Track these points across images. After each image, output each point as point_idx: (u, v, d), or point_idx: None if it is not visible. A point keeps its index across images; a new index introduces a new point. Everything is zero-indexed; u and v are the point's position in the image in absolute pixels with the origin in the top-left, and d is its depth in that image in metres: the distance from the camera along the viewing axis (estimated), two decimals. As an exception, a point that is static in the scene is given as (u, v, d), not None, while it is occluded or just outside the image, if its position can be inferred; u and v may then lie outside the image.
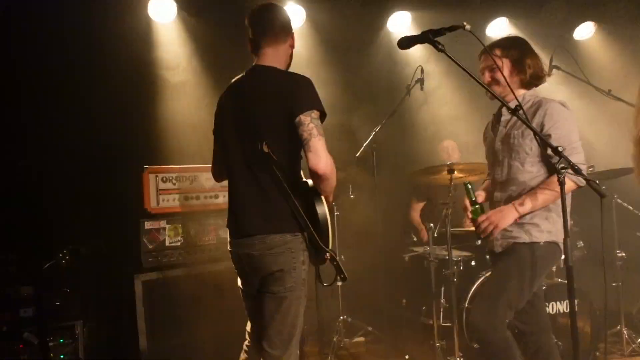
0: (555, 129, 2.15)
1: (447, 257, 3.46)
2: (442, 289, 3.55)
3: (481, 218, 2.23)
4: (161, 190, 3.10)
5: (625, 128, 3.13)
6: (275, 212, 1.90)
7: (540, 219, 2.21)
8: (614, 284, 3.48)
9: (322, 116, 1.92)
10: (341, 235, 3.89)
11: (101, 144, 3.21)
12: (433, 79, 4.27)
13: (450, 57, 1.95)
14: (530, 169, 2.22)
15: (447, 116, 4.39)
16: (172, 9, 3.78)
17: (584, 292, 3.14)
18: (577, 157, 2.13)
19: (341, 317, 3.83)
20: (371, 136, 3.44)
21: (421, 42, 1.98)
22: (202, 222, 3.19)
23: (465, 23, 1.84)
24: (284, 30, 2.05)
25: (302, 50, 4.25)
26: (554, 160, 1.94)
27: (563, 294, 3.18)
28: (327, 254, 1.94)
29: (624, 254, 3.46)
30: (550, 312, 3.14)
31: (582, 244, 3.43)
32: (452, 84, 4.54)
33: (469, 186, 2.34)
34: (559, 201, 2.08)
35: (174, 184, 3.15)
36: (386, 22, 4.42)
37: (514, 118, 2.26)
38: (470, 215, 2.33)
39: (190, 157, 3.27)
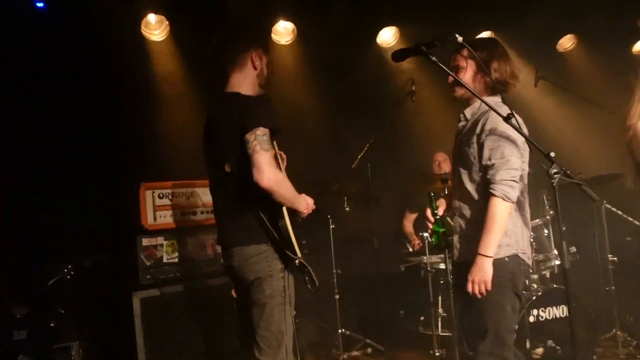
0: (488, 139, 2.08)
1: (442, 267, 3.50)
2: (440, 298, 3.58)
3: (467, 286, 2.08)
4: (158, 207, 3.10)
5: (610, 136, 3.24)
6: (246, 225, 2.04)
7: None
8: (607, 289, 3.53)
9: (277, 130, 2.05)
10: (337, 247, 3.91)
11: (98, 159, 3.21)
12: (424, 90, 4.35)
13: (443, 67, 2.01)
14: (475, 178, 2.14)
15: (439, 127, 4.46)
16: (165, 27, 3.85)
17: (578, 297, 3.19)
18: (504, 174, 2.03)
19: (340, 331, 3.83)
20: (366, 147, 3.49)
21: (414, 55, 2.04)
22: (199, 238, 3.19)
23: (457, 35, 1.90)
24: (243, 57, 2.15)
25: (292, 64, 4.33)
26: (546, 167, 1.97)
27: (558, 299, 3.22)
28: (297, 262, 2.04)
29: (615, 259, 3.52)
30: (547, 317, 3.19)
31: (575, 250, 3.48)
32: (443, 95, 4.63)
33: (432, 196, 2.33)
34: (514, 213, 2.09)
35: (170, 200, 3.15)
36: (375, 36, 4.52)
37: (467, 125, 2.22)
38: (430, 227, 2.32)
39: (186, 172, 3.28)
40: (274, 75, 4.28)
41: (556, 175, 1.95)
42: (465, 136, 2.19)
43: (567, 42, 4.81)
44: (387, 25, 4.47)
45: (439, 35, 1.95)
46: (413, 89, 3.67)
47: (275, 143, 2.62)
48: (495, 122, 2.07)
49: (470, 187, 2.15)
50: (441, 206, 2.39)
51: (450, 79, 2.19)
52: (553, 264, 3.35)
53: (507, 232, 2.09)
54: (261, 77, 2.20)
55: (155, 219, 3.08)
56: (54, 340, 2.76)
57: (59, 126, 3.19)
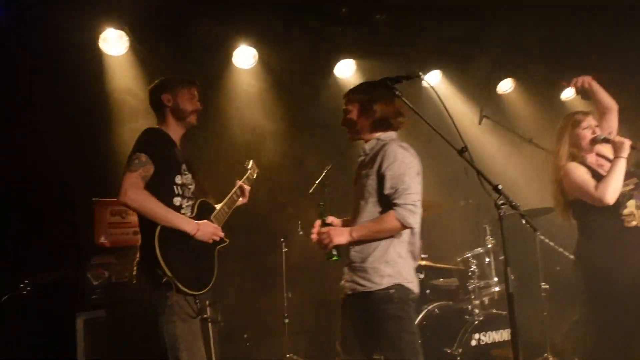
0: (389, 169, 2.20)
1: (392, 291, 3.62)
2: (388, 322, 3.67)
3: (322, 229, 2.26)
4: (110, 224, 3.01)
5: (542, 172, 3.56)
6: (141, 244, 2.26)
7: (380, 263, 2.19)
8: (541, 315, 3.79)
9: (154, 157, 2.26)
10: (290, 272, 3.94)
11: (51, 174, 3.08)
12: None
13: (405, 102, 2.16)
14: (372, 209, 2.24)
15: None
16: (124, 42, 3.80)
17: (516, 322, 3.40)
18: (408, 198, 2.15)
19: (287, 356, 3.81)
20: (323, 173, 3.58)
21: (380, 88, 2.19)
22: (151, 258, 3.10)
23: (420, 73, 2.07)
24: (159, 99, 2.45)
25: (253, 88, 4.40)
26: (494, 197, 2.15)
27: (498, 324, 3.43)
28: (164, 279, 2.14)
29: (547, 286, 3.80)
30: (487, 341, 3.37)
31: (513, 277, 3.71)
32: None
33: (322, 206, 2.38)
34: (397, 242, 2.20)
35: (123, 218, 3.06)
36: (333, 67, 4.70)
37: (366, 159, 2.36)
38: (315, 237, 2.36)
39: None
40: (234, 99, 4.35)
41: (503, 206, 2.14)
42: (365, 169, 2.31)
43: (506, 86, 5.24)
44: (345, 58, 4.67)
45: (398, 71, 2.14)
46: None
47: (248, 177, 2.74)
48: (394, 153, 2.23)
49: (366, 217, 2.25)
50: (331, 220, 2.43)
51: (342, 119, 2.41)
52: (493, 290, 3.57)
53: (389, 261, 2.18)
54: (177, 112, 2.43)
55: (106, 237, 2.98)
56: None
57: (14, 141, 3.04)
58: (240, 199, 2.70)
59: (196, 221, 2.30)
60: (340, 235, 2.21)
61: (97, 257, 2.91)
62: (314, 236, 2.33)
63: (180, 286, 2.15)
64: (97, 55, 3.71)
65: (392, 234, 2.18)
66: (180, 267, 2.16)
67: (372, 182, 2.24)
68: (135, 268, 2.28)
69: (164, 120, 2.46)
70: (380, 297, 2.15)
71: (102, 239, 3.00)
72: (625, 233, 2.74)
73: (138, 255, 2.27)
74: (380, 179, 2.21)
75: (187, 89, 2.47)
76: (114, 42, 3.78)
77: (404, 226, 2.14)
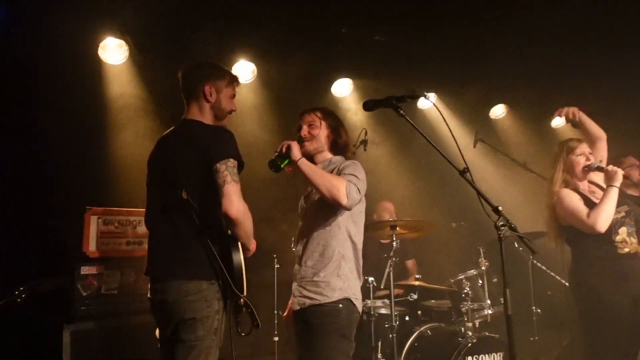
0: (345, 170, 2.31)
1: (385, 312, 3.59)
2: (379, 343, 3.63)
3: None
4: (102, 233, 2.95)
5: (535, 196, 3.60)
6: (192, 258, 1.97)
7: (332, 277, 2.24)
8: (531, 339, 3.79)
9: (241, 166, 2.08)
10: (281, 289, 3.88)
11: (44, 180, 3.01)
12: (375, 140, 4.59)
13: (410, 121, 2.17)
14: (342, 230, 2.30)
15: (390, 176, 4.69)
16: (123, 51, 3.79)
17: (506, 345, 3.39)
18: (360, 184, 2.26)
19: (277, 374, 3.73)
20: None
21: (384, 106, 2.21)
22: (142, 270, 3.02)
23: (426, 93, 2.10)
24: (200, 89, 2.18)
25: (251, 103, 4.41)
26: (493, 219, 2.16)
27: (490, 347, 3.40)
28: (242, 300, 2.01)
29: (539, 311, 3.81)
30: (480, 364, 3.34)
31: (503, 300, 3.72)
32: (393, 146, 4.90)
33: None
34: (350, 257, 2.27)
35: (117, 228, 3.00)
36: (331, 86, 4.74)
37: None
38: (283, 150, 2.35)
39: (135, 200, 3.15)
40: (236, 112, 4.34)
41: (503, 228, 2.15)
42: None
43: (499, 111, 5.33)
44: (342, 77, 4.72)
45: (387, 92, 2.18)
46: (366, 138, 3.87)
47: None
48: (350, 163, 2.36)
49: (321, 233, 2.28)
50: None
51: (305, 132, 2.43)
52: (486, 312, 3.56)
53: (340, 275, 2.25)
54: (217, 110, 2.20)
55: (97, 246, 2.92)
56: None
57: (8, 145, 2.98)
58: None
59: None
60: (297, 149, 2.27)
61: (87, 267, 2.82)
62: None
63: (253, 308, 2.02)
64: (95, 63, 3.69)
65: (327, 193, 2.17)
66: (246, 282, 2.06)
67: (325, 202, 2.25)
68: (167, 283, 1.99)
69: (202, 113, 2.18)
70: (329, 310, 2.19)
71: (92, 249, 2.92)
72: (618, 259, 2.78)
73: (176, 270, 1.99)
74: None
75: (231, 85, 2.24)
76: (113, 51, 3.77)
77: (343, 197, 2.16)
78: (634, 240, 2.81)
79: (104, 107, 3.66)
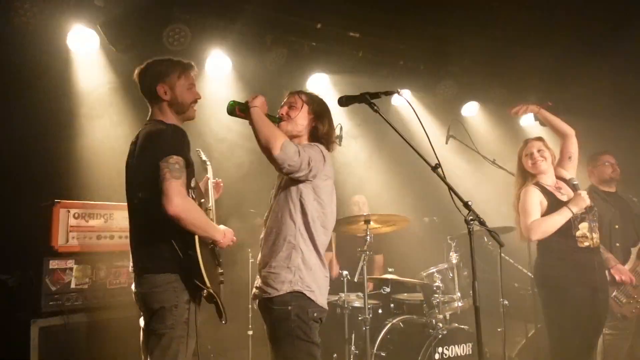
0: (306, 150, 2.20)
1: (358, 305, 3.64)
2: (353, 335, 3.68)
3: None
4: (72, 227, 2.88)
5: (504, 191, 3.70)
6: (158, 253, 2.06)
7: (282, 269, 2.15)
8: (499, 330, 3.90)
9: (189, 164, 2.09)
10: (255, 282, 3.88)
11: (10, 172, 2.92)
12: (349, 135, 4.63)
13: (383, 117, 2.21)
14: (294, 219, 2.20)
15: (362, 171, 4.73)
16: (94, 41, 3.70)
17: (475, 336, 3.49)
18: (306, 151, 2.19)
19: (250, 368, 3.74)
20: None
21: (359, 102, 2.24)
22: (114, 264, 3.00)
23: (398, 89, 2.13)
24: (154, 91, 2.19)
25: (226, 96, 4.36)
26: (463, 213, 2.23)
27: (460, 338, 3.50)
28: (205, 292, 2.06)
29: (506, 302, 3.92)
30: (450, 355, 3.43)
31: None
32: (368, 142, 4.95)
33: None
34: (305, 249, 2.14)
35: (87, 221, 2.94)
36: (306, 81, 4.74)
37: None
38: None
39: (107, 194, 3.10)
40: (205, 106, 4.29)
41: (472, 222, 2.22)
42: (283, 180, 2.29)
43: (471, 108, 5.44)
44: (318, 72, 4.73)
45: (369, 88, 2.21)
46: (341, 134, 3.90)
47: (209, 169, 2.66)
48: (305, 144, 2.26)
49: (287, 228, 2.17)
50: None
51: (284, 111, 2.34)
52: (456, 305, 3.66)
53: (290, 267, 2.13)
54: (177, 105, 2.20)
55: (67, 240, 2.85)
56: None
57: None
58: (216, 194, 2.64)
59: (220, 228, 2.22)
60: (260, 100, 2.23)
61: (55, 261, 2.76)
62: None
63: (220, 301, 2.10)
64: (64, 52, 3.58)
65: (264, 140, 2.11)
66: (211, 277, 2.07)
67: (294, 195, 2.19)
68: (141, 276, 2.06)
69: (163, 113, 2.20)
70: (278, 314, 2.11)
71: (61, 243, 2.86)
72: (578, 253, 2.90)
73: (147, 264, 2.06)
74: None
75: (184, 76, 2.20)
76: (83, 41, 3.67)
77: (276, 147, 2.07)
78: (594, 235, 2.93)
79: (74, 98, 3.57)
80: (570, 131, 3.19)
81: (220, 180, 2.69)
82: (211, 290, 2.06)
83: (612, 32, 4.33)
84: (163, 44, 3.93)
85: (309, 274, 2.16)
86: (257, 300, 2.24)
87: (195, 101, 2.27)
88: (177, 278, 2.05)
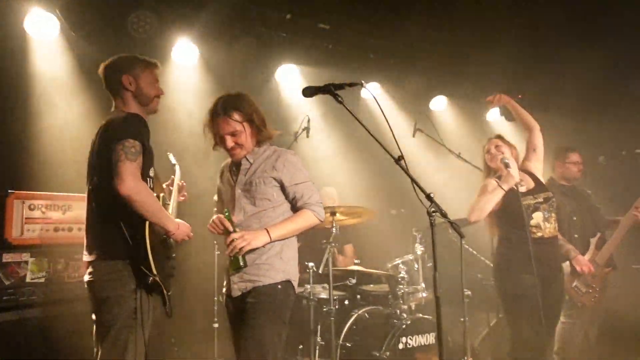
0: (294, 179, 2.33)
1: (324, 296, 3.66)
2: (319, 326, 3.70)
3: (235, 235, 2.20)
4: (27, 219, 2.78)
5: (469, 184, 3.78)
6: (107, 240, 2.07)
7: (275, 259, 2.27)
8: (461, 319, 3.99)
9: (149, 151, 2.14)
10: (221, 275, 3.84)
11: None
12: (318, 127, 4.62)
13: (347, 109, 2.21)
14: (272, 214, 2.31)
15: (327, 163, 4.73)
16: (54, 26, 3.55)
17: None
18: (315, 198, 2.36)
19: (216, 361, 3.72)
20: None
21: (323, 93, 2.22)
22: (72, 257, 2.91)
23: (362, 81, 2.13)
24: (119, 81, 2.24)
25: (193, 86, 4.28)
26: (426, 205, 2.25)
27: (424, 328, 3.57)
28: (150, 279, 2.04)
29: (469, 293, 4.02)
30: (414, 345, 3.50)
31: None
32: (335, 135, 4.95)
33: (227, 212, 2.32)
34: (293, 240, 2.34)
35: (44, 213, 2.85)
36: (275, 72, 4.70)
37: (254, 166, 2.35)
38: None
39: (65, 185, 3.00)
40: (174, 95, 4.20)
41: (434, 214, 2.25)
42: (257, 177, 2.32)
43: (439, 102, 5.51)
44: (287, 63, 4.69)
45: (332, 80, 2.19)
46: (308, 125, 3.89)
47: (177, 171, 2.63)
48: (293, 162, 2.34)
49: (263, 222, 2.27)
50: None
51: (230, 143, 2.30)
52: (421, 295, 3.72)
53: (283, 258, 2.28)
54: (140, 96, 2.26)
55: (22, 232, 2.75)
56: None
57: None
58: (179, 196, 2.62)
59: (176, 220, 2.23)
60: (257, 238, 2.21)
61: (9, 255, 2.66)
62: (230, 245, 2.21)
63: (165, 291, 2.09)
64: (20, 37, 3.43)
65: (311, 227, 2.34)
66: (160, 267, 2.05)
67: (270, 190, 2.30)
68: (91, 264, 2.08)
69: (126, 104, 2.25)
70: (266, 290, 2.22)
71: (15, 235, 2.76)
72: (530, 242, 2.97)
73: (97, 251, 2.08)
74: (282, 185, 2.32)
75: (149, 70, 2.28)
76: (41, 25, 3.52)
77: (320, 221, 2.35)
78: (548, 225, 3.02)
79: (31, 84, 3.43)
80: (534, 125, 3.28)
81: (184, 183, 2.66)
82: (157, 279, 2.04)
83: (573, 30, 4.45)
84: (128, 31, 3.82)
85: (294, 266, 2.34)
86: (241, 292, 2.25)
87: (159, 96, 2.33)
88: (125, 265, 2.05)
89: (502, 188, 2.92)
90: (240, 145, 2.33)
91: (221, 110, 2.31)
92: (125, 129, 2.06)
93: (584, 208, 3.74)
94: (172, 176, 2.65)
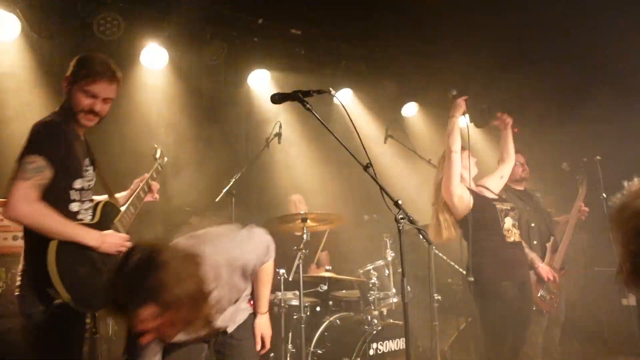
0: (248, 263, 2.17)
1: (295, 303, 3.63)
2: (290, 334, 3.67)
3: (258, 345, 2.27)
4: (-17, 227, 2.66)
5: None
6: (24, 252, 1.98)
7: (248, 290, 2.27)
8: (433, 324, 4.02)
9: (52, 159, 1.93)
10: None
11: None
12: (289, 133, 4.60)
13: (316, 116, 2.20)
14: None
15: (300, 169, 4.72)
16: (14, 26, 3.44)
17: (410, 331, 3.58)
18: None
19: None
20: (231, 183, 3.52)
21: (291, 100, 2.20)
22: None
23: (331, 89, 2.13)
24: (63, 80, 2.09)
25: (162, 91, 4.21)
26: (394, 212, 2.26)
27: (394, 333, 3.58)
28: (56, 301, 1.92)
29: (439, 297, 4.06)
30: (385, 350, 3.50)
31: (409, 289, 3.92)
32: (305, 139, 4.94)
33: None
34: None
35: (1, 220, 2.73)
36: (247, 77, 4.67)
37: None
38: None
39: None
40: (140, 99, 4.11)
41: (402, 220, 2.26)
42: None
43: (410, 108, 5.58)
44: (259, 68, 4.67)
45: (304, 86, 2.19)
46: (280, 131, 3.87)
47: (156, 169, 2.53)
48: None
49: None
50: None
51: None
52: (391, 301, 3.73)
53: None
54: (68, 106, 2.06)
55: (-22, 241, 2.64)
56: None
57: None
58: (148, 196, 2.47)
59: (100, 232, 2.04)
60: (269, 327, 2.30)
61: (-36, 265, 2.54)
62: None
63: (77, 308, 1.93)
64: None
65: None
66: (79, 285, 1.91)
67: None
68: (19, 278, 1.97)
69: (60, 108, 2.11)
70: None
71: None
72: (507, 248, 3.02)
73: (23, 264, 1.97)
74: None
75: (91, 79, 2.01)
76: (1, 25, 3.40)
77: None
78: (516, 230, 3.09)
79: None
80: (512, 159, 3.31)
81: (155, 182, 2.54)
82: (52, 292, 1.89)
83: (536, 40, 4.58)
84: (94, 32, 3.73)
85: None
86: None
87: (89, 112, 2.05)
88: (29, 283, 1.94)
89: (455, 115, 3.03)
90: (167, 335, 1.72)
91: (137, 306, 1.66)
92: (30, 142, 1.93)
93: (539, 212, 3.77)
94: (146, 173, 2.52)
